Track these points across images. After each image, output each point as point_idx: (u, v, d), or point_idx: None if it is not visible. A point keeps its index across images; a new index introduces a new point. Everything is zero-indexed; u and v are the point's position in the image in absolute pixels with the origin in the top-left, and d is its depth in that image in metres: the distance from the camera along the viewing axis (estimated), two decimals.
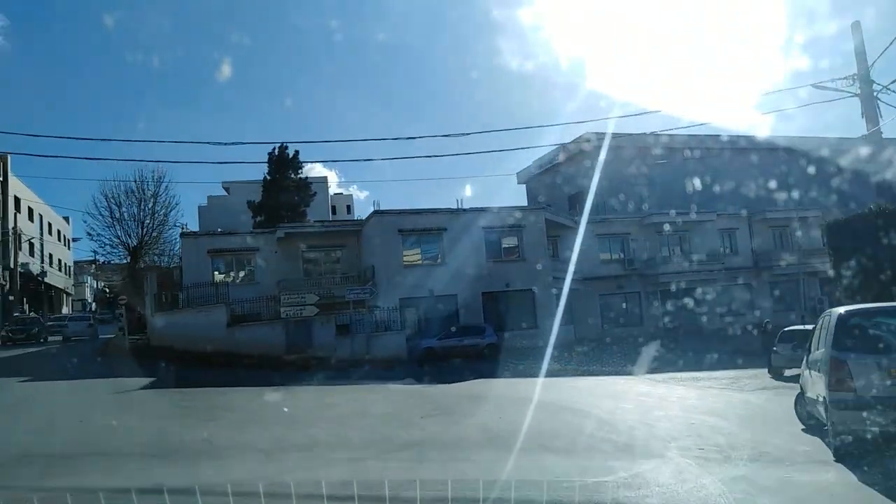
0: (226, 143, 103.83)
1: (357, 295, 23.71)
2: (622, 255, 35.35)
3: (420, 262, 29.04)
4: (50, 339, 35.65)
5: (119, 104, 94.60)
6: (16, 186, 54.32)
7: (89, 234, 44.37)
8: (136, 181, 40.32)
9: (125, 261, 42.44)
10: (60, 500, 5.43)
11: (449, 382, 17.24)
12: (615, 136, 31.92)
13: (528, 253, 30.26)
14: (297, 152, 52.24)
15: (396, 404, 13.43)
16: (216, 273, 28.92)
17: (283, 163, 51.14)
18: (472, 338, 25.73)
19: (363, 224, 30.46)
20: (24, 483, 6.83)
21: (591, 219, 34.02)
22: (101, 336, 34.84)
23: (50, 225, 66.47)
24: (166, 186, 42.11)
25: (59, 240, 70.69)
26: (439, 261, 29.01)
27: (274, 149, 51.94)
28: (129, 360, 23.05)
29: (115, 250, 42.54)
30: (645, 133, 35.68)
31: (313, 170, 51.55)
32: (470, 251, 28.93)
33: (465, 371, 19.65)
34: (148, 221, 39.63)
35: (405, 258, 28.74)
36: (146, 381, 17.46)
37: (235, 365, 21.64)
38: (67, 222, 71.50)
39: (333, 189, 69.49)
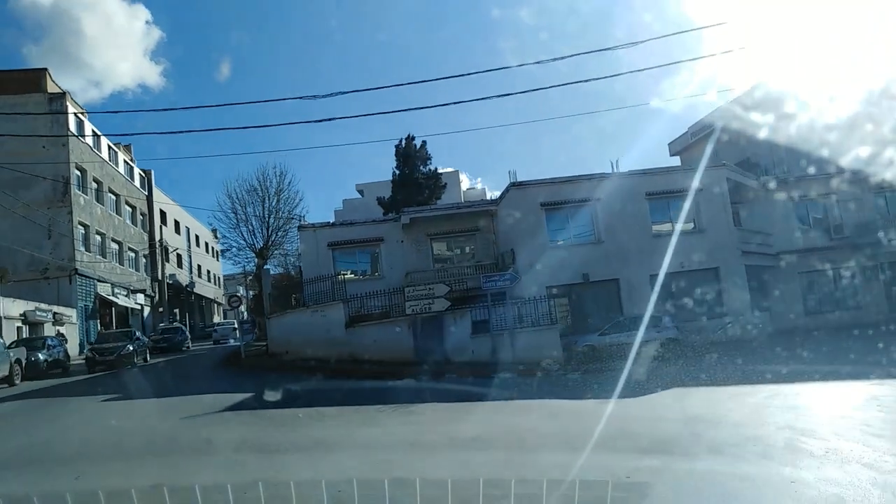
0: (353, 144, 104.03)
1: (496, 284, 19.04)
2: (827, 222, 27.79)
3: (569, 241, 23.87)
4: (201, 345, 37.26)
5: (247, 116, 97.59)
6: (161, 199, 56.00)
7: (215, 236, 43.44)
8: (258, 178, 38.61)
9: (253, 263, 40.97)
10: (60, 500, 5.03)
11: (630, 396, 12.03)
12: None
13: (707, 222, 24.04)
14: (423, 143, 48.77)
15: (574, 438, 8.49)
16: (337, 268, 25.63)
17: (409, 155, 48.04)
18: (645, 331, 20.15)
19: (498, 202, 25.81)
20: None
21: (782, 177, 27.03)
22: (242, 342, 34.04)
23: (197, 237, 68.73)
24: (289, 182, 40.15)
25: (207, 251, 73.23)
26: (594, 238, 23.67)
27: (400, 141, 49.11)
28: (240, 369, 20.07)
29: (241, 253, 41.23)
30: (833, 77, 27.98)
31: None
32: (631, 225, 23.36)
33: (642, 376, 14.38)
34: (272, 220, 37.66)
35: (551, 237, 23.72)
36: (241, 397, 13.97)
37: (353, 373, 17.82)
38: (215, 235, 73.53)
39: (465, 185, 65.90)
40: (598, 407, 11.20)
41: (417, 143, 48.80)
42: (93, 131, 42.55)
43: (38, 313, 30.79)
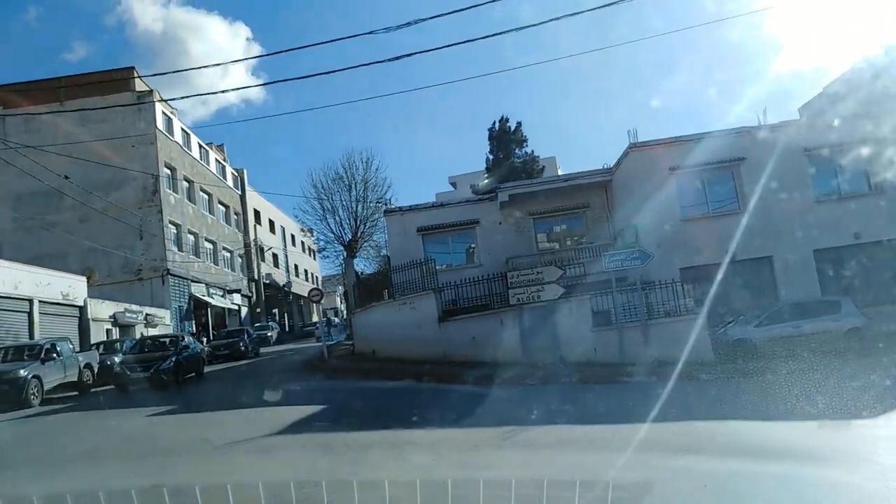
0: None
1: (622, 263, 15.13)
2: None
3: (706, 213, 19.59)
4: (301, 344, 36.05)
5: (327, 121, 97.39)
6: (254, 199, 55.59)
7: (302, 229, 41.80)
8: (343, 165, 36.32)
9: (341, 257, 38.80)
10: (60, 500, 4.72)
11: (869, 413, 7.98)
12: None
13: (886, 183, 19.00)
14: (518, 124, 45.20)
15: None
16: (428, 256, 22.62)
17: (504, 138, 44.56)
18: (818, 320, 15.69)
19: (613, 170, 21.84)
20: None
21: None
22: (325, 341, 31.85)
23: (293, 236, 68.39)
24: (377, 168, 37.68)
25: (304, 251, 72.91)
26: (738, 208, 19.26)
27: (494, 123, 45.74)
28: (318, 373, 17.41)
29: (330, 246, 39.19)
30: None
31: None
32: (787, 189, 18.72)
33: (821, 380, 10.26)
34: (360, 209, 35.17)
35: (682, 209, 19.54)
36: (309, 411, 11.07)
37: (450, 377, 14.53)
38: (311, 234, 72.98)
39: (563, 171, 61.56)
40: (836, 434, 7.25)
41: (512, 124, 45.54)
42: (182, 129, 42.04)
43: (127, 315, 29.91)
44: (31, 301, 23.38)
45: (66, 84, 37.67)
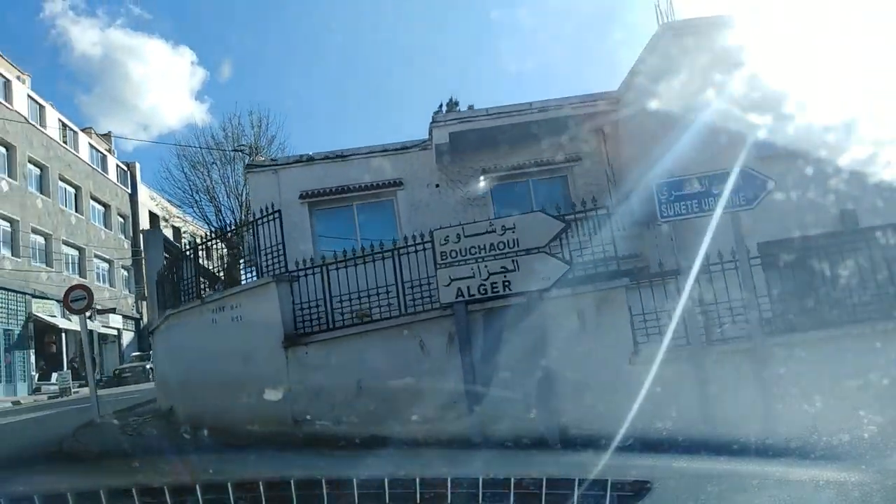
0: None
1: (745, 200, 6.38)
2: None
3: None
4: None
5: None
6: (151, 200, 45.70)
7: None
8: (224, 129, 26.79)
9: None
10: (60, 500, 3.89)
11: None
12: None
13: None
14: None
15: None
16: (318, 246, 13.59)
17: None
18: None
19: (622, 93, 13.44)
20: None
21: None
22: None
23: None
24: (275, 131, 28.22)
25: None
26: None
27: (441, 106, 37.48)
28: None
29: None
30: None
31: None
32: None
33: None
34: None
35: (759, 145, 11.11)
36: None
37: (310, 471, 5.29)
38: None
39: None
40: None
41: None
42: (30, 98, 32.10)
43: None
44: None
45: None
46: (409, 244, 7.58)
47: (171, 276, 10.43)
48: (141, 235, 36.11)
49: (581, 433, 6.28)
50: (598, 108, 13.75)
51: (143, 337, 40.63)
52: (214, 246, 9.73)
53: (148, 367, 32.32)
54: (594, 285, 6.81)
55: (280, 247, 8.38)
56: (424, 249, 7.50)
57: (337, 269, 7.98)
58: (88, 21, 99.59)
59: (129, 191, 43.41)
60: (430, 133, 13.75)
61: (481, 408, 6.73)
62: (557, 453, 6.13)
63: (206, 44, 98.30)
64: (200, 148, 26.24)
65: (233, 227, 9.08)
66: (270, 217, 8.57)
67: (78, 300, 11.65)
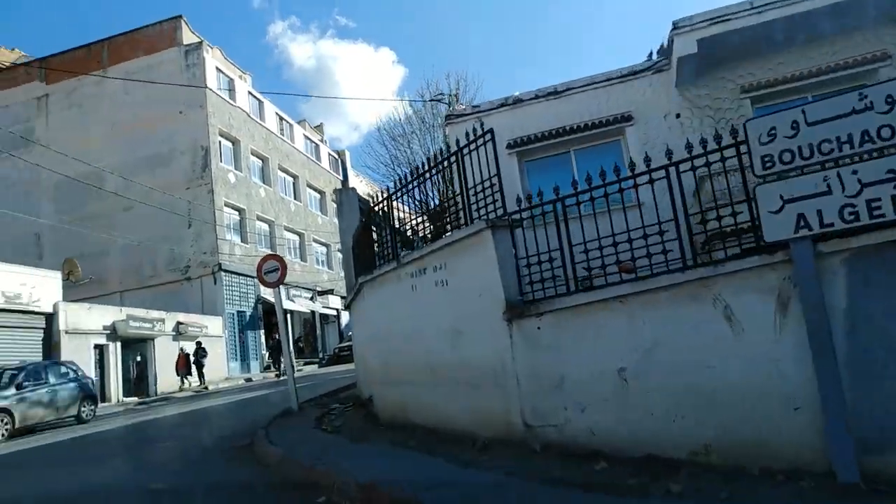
0: None
1: None
2: None
3: None
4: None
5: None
6: (357, 184, 47.25)
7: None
8: (423, 99, 25.39)
9: None
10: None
11: None
12: None
13: None
14: None
15: None
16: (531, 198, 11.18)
17: None
18: None
19: None
20: None
21: None
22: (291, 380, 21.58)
23: None
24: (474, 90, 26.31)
25: None
26: None
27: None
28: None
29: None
30: None
31: None
32: None
33: None
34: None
35: None
36: None
37: None
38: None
39: None
40: None
41: None
42: (251, 95, 34.02)
43: (132, 324, 21.45)
44: None
45: (108, 46, 31.06)
46: (693, 154, 4.79)
47: (366, 239, 8.77)
48: (333, 195, 36.98)
49: None
50: None
51: None
52: (414, 191, 7.83)
53: None
54: None
55: (496, 181, 6.13)
56: (723, 159, 4.69)
57: (579, 203, 5.47)
58: (304, 37, 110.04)
59: (341, 177, 45.09)
60: (670, 45, 10.59)
61: (853, 422, 3.79)
62: None
63: (403, 43, 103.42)
64: (398, 100, 25.32)
65: (434, 162, 6.85)
66: (481, 141, 6.37)
67: (271, 272, 10.61)
